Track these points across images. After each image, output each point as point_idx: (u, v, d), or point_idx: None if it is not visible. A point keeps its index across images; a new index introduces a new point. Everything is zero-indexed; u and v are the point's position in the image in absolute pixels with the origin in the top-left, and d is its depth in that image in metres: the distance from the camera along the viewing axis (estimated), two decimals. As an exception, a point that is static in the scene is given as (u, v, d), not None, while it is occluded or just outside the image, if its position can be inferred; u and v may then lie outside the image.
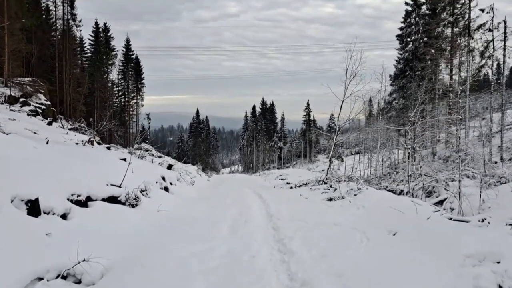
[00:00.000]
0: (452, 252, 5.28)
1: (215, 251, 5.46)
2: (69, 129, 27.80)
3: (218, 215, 8.35)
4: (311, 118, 77.29)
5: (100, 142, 25.73)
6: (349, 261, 5.00)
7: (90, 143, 19.77)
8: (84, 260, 4.52)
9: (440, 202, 12.76)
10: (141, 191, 9.07)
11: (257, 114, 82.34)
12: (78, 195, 6.76)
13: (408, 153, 14.00)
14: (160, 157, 31.27)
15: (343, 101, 16.52)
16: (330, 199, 10.94)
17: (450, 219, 8.48)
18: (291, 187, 23.13)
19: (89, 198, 7.05)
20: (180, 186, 13.25)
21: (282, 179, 28.80)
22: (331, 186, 12.94)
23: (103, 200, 7.43)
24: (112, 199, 7.72)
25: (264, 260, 5.06)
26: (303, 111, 77.42)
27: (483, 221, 8.07)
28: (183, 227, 7.06)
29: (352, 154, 55.16)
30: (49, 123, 24.84)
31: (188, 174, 23.78)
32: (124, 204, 7.97)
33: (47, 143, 10.12)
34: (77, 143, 17.48)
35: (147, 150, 32.69)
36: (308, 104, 77.00)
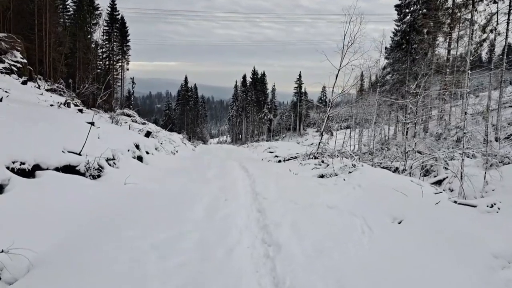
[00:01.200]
0: (475, 249, 4.28)
1: (184, 240, 4.38)
2: (47, 90, 26.13)
3: (195, 191, 7.24)
4: (303, 90, 75.97)
5: (77, 104, 24.22)
6: (352, 260, 3.97)
7: (66, 105, 18.38)
8: (2, 251, 3.40)
9: (439, 182, 11.87)
10: (108, 160, 7.88)
11: (248, 84, 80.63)
12: (22, 163, 5.55)
13: (407, 128, 12.98)
14: (143, 123, 29.89)
15: (339, 70, 15.27)
16: (322, 176, 9.91)
17: (455, 202, 7.55)
18: (280, 161, 22.15)
19: (37, 167, 5.86)
20: (158, 155, 12.07)
21: (270, 152, 27.85)
22: (322, 162, 11.90)
23: (57, 169, 6.24)
24: (69, 169, 6.54)
25: (243, 256, 4.01)
26: (294, 83, 75.96)
27: (492, 206, 7.13)
28: (150, 205, 5.95)
29: (342, 128, 54.38)
30: (24, 82, 23.20)
31: (171, 142, 22.58)
32: (83, 174, 6.79)
33: (0, 100, 8.79)
34: (51, 105, 16.13)
35: (129, 116, 31.27)
36: (300, 75, 75.51)
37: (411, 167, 11.66)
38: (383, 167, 14.29)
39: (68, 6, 45.47)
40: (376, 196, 6.90)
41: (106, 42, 51.11)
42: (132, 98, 52.81)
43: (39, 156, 6.01)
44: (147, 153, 11.43)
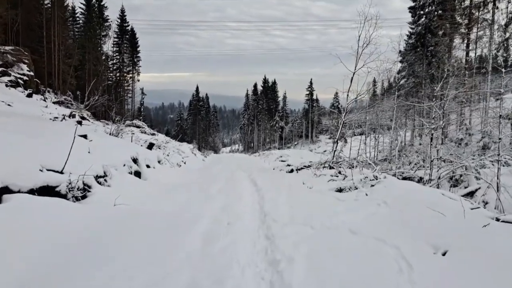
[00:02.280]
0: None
1: (167, 286, 3.38)
2: (54, 102, 25.66)
3: (195, 212, 6.27)
4: (314, 97, 74.90)
5: (85, 117, 23.62)
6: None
7: (71, 117, 17.76)
8: None
9: (470, 194, 10.66)
10: (97, 177, 6.97)
11: (259, 93, 79.95)
12: (-18, 186, 4.67)
13: (432, 134, 11.82)
14: (153, 134, 29.24)
15: (354, 73, 14.20)
16: (340, 190, 8.83)
17: (497, 220, 6.42)
18: (292, 170, 21.06)
19: (5, 190, 4.96)
20: (160, 169, 11.16)
21: (282, 161, 26.75)
22: (340, 173, 10.82)
23: (31, 191, 5.34)
24: (47, 190, 5.63)
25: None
26: (305, 90, 75.03)
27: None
28: (139, 232, 4.98)
29: (355, 135, 53.07)
30: (29, 95, 22.74)
31: (180, 153, 21.75)
32: (65, 196, 5.87)
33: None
34: (56, 117, 15.47)
35: (138, 127, 30.63)
36: (311, 82, 74.57)
37: (439, 177, 10.48)
38: (405, 177, 13.15)
39: (77, 18, 45.46)
40: (406, 216, 5.83)
41: (116, 54, 51.01)
42: (142, 109, 52.40)
43: (9, 177, 5.11)
44: (148, 166, 10.52)
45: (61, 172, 6.16)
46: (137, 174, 8.95)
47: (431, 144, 11.63)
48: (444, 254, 4.33)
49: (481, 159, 11.58)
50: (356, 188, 8.67)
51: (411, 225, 5.34)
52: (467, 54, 29.00)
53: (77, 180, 6.16)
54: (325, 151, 51.60)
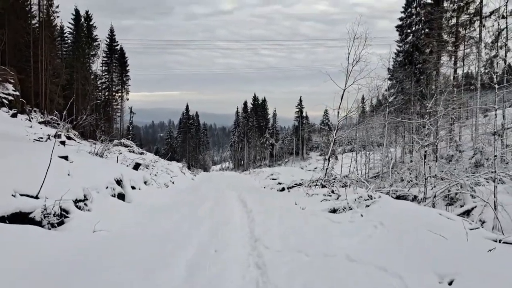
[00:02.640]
0: None
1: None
2: (39, 122, 25.10)
3: (179, 238, 5.84)
4: (304, 114, 75.19)
5: (71, 137, 23.09)
6: None
7: (57, 137, 17.29)
8: None
9: (467, 213, 10.39)
10: (77, 201, 6.53)
11: (249, 110, 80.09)
12: None
13: (425, 151, 11.58)
14: (141, 153, 28.74)
15: (344, 90, 14.05)
16: (334, 210, 8.48)
17: (499, 241, 6.11)
18: (283, 188, 20.72)
19: (-30, 218, 4.53)
20: (146, 190, 10.71)
21: (273, 179, 26.43)
22: (333, 192, 10.48)
23: (1, 219, 4.90)
24: (19, 217, 5.19)
25: None
26: (295, 108, 75.35)
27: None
28: (116, 263, 4.54)
29: (345, 152, 53.00)
30: (14, 115, 22.19)
31: (169, 173, 21.28)
32: (39, 223, 5.43)
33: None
34: (40, 138, 15.00)
35: (127, 146, 30.11)
36: (300, 100, 74.97)
37: (435, 195, 10.20)
38: (399, 196, 12.86)
39: (66, 38, 45.17)
40: (406, 239, 5.49)
41: (105, 73, 50.71)
42: (131, 128, 51.86)
43: (-25, 203, 4.68)
44: (133, 188, 10.07)
45: (36, 197, 5.73)
46: (121, 196, 8.50)
47: (424, 162, 11.39)
48: (450, 284, 3.97)
49: (476, 176, 11.35)
50: (351, 209, 8.33)
51: (411, 250, 4.99)
52: (455, 71, 29.26)
53: (53, 205, 5.72)
54: (315, 168, 51.37)
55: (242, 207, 9.05)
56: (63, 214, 5.95)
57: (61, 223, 5.80)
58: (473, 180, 11.20)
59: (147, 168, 17.41)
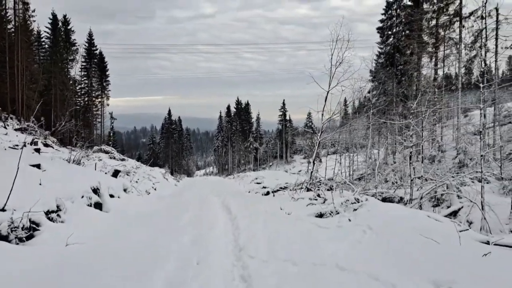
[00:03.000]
0: None
1: None
2: (16, 129, 24.29)
3: (159, 249, 5.49)
4: (287, 118, 75.19)
5: (48, 144, 22.36)
6: None
7: (33, 144, 16.70)
8: None
9: (453, 213, 10.29)
10: (48, 212, 6.11)
11: (232, 114, 79.75)
12: None
13: (410, 152, 11.47)
14: (122, 159, 28.07)
15: (328, 92, 13.90)
16: (321, 215, 8.23)
17: (487, 243, 5.96)
18: (268, 192, 20.40)
19: None
20: (126, 198, 10.28)
21: (258, 183, 26.10)
22: (318, 196, 10.26)
23: (-39, 235, 4.48)
24: (-18, 232, 4.77)
25: None
26: (278, 111, 75.34)
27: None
28: (89, 282, 4.17)
29: (328, 154, 53.10)
30: (-13, 123, 21.42)
31: (151, 179, 20.77)
32: (6, 238, 5.01)
33: None
34: (16, 145, 14.39)
35: (107, 152, 29.40)
36: (283, 103, 74.99)
37: (421, 197, 10.06)
38: (385, 198, 12.72)
39: (43, 43, 44.06)
40: (397, 244, 5.26)
41: (85, 78, 49.64)
42: (111, 134, 50.93)
43: None
44: (112, 196, 9.64)
45: (3, 210, 5.30)
46: (98, 205, 8.08)
47: (410, 163, 11.27)
48: (448, 293, 3.75)
49: (461, 176, 11.29)
50: (338, 213, 8.10)
51: (403, 256, 4.77)
52: (436, 72, 29.60)
53: (22, 218, 5.30)
54: (300, 171, 51.37)
55: (226, 214, 8.73)
56: (32, 227, 5.54)
57: (30, 237, 5.39)
58: (458, 180, 11.14)
59: (127, 175, 16.90)
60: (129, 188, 11.52)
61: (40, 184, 6.75)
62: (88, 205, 7.63)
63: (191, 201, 11.35)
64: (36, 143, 17.34)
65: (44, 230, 5.68)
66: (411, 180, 11.19)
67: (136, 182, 16.22)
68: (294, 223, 7.25)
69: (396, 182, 17.33)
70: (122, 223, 7.31)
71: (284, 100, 75.39)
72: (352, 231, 6.35)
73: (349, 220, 7.20)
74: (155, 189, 17.96)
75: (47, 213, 6.09)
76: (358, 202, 8.40)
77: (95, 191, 8.28)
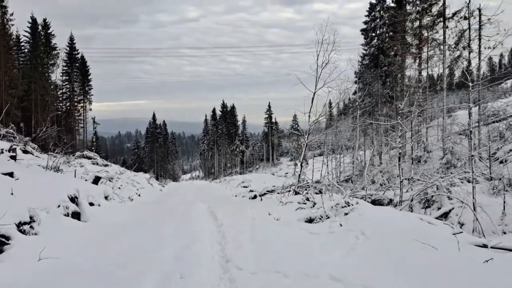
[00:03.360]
0: None
1: None
2: (-7, 136, 23.51)
3: (140, 262, 5.10)
4: (273, 120, 74.99)
5: (27, 151, 21.63)
6: None
7: (11, 151, 16.06)
8: None
9: (444, 215, 10.12)
10: (20, 224, 5.67)
11: (218, 118, 79.26)
12: None
13: (399, 153, 11.29)
14: (105, 165, 27.42)
15: (314, 93, 13.66)
16: (311, 220, 7.93)
17: (484, 246, 5.76)
18: (255, 196, 20.10)
19: None
20: (107, 206, 9.81)
21: (244, 186, 25.79)
22: (307, 199, 9.97)
23: None
24: None
25: None
26: (264, 113, 75.13)
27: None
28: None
29: (314, 156, 53.06)
30: (-37, 130, 20.62)
31: (134, 185, 20.27)
32: (-30, 254, 4.58)
33: None
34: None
35: (90, 158, 28.68)
36: (269, 106, 74.82)
37: (412, 199, 9.87)
38: (374, 200, 12.50)
39: (22, 47, 42.94)
40: (392, 251, 4.99)
41: (66, 83, 48.57)
42: (93, 139, 49.95)
43: None
44: (92, 204, 9.19)
45: (-33, 223, 4.86)
46: (76, 215, 7.62)
47: (399, 163, 11.08)
48: (452, 306, 3.48)
49: (451, 177, 11.14)
50: (328, 217, 7.82)
51: (400, 265, 4.49)
52: (420, 73, 29.73)
53: (-11, 232, 4.87)
54: (286, 173, 51.14)
55: (213, 220, 8.35)
56: (1, 241, 5.10)
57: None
58: (448, 181, 10.99)
59: (110, 180, 16.36)
60: (110, 195, 11.05)
61: (11, 194, 6.29)
62: (65, 215, 7.18)
63: (176, 209, 10.93)
64: (14, 150, 16.69)
65: (15, 244, 5.25)
66: (401, 182, 11.00)
67: (119, 188, 15.71)
68: (284, 230, 6.94)
69: (384, 184, 17.20)
70: (101, 234, 6.87)
71: (269, 102, 75.24)
72: (345, 237, 6.08)
73: (341, 225, 6.92)
74: (139, 195, 17.47)
75: (19, 225, 5.65)
76: (349, 205, 8.13)
77: (73, 199, 7.83)
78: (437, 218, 9.25)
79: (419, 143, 27.93)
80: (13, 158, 11.92)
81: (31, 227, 5.93)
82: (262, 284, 4.18)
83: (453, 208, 10.07)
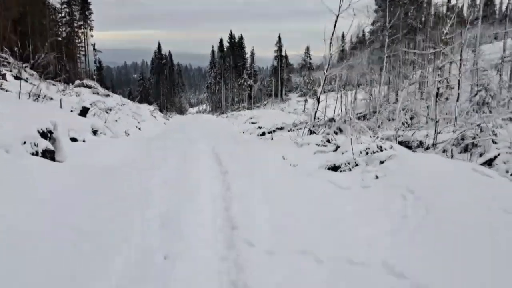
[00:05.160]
0: None
1: None
2: (-16, 61, 21.83)
3: (111, 230, 3.73)
4: (283, 53, 71.48)
5: (19, 77, 20.02)
6: None
7: (1, 77, 14.68)
8: None
9: (489, 162, 8.64)
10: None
11: (225, 49, 75.74)
12: None
13: (438, 88, 9.56)
14: (107, 95, 25.86)
15: (338, 15, 11.59)
16: (335, 168, 6.47)
17: None
18: (264, 133, 18.74)
19: None
20: (93, 142, 8.39)
21: (253, 123, 24.33)
22: (328, 141, 8.47)
23: None
24: None
25: None
26: (274, 46, 71.41)
27: None
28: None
29: (325, 92, 50.89)
30: (-47, 54, 18.95)
31: (135, 117, 18.92)
32: None
33: None
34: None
35: (90, 87, 27.03)
36: (279, 38, 70.90)
37: (453, 143, 8.32)
38: (400, 142, 10.97)
39: (16, -34, 39.52)
40: (470, 226, 3.53)
41: (65, 6, 45.53)
42: (95, 68, 47.91)
43: None
44: (74, 140, 7.79)
45: None
46: (50, 153, 6.20)
47: (436, 101, 9.39)
48: None
49: (496, 117, 9.50)
50: (357, 165, 6.34)
51: (481, 250, 3.06)
52: (449, 0, 26.84)
53: None
54: (295, 109, 49.29)
55: (216, 165, 6.92)
56: None
57: None
58: (494, 122, 9.35)
59: (107, 112, 14.89)
60: (100, 129, 9.60)
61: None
62: (33, 154, 5.77)
63: (175, 147, 9.47)
64: (4, 76, 15.21)
65: None
66: (436, 122, 9.40)
67: (116, 121, 14.31)
68: (304, 182, 5.50)
69: (407, 123, 15.61)
70: (73, 180, 5.45)
71: (279, 34, 71.29)
72: (387, 195, 4.63)
73: (376, 176, 5.46)
74: (139, 129, 16.17)
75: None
76: (381, 150, 6.63)
77: (45, 135, 6.36)
78: (482, 164, 7.80)
79: (447, 79, 25.80)
80: (-5, 86, 10.41)
81: (-22, 172, 4.53)
82: (283, 274, 2.79)
83: (499, 154, 8.53)
